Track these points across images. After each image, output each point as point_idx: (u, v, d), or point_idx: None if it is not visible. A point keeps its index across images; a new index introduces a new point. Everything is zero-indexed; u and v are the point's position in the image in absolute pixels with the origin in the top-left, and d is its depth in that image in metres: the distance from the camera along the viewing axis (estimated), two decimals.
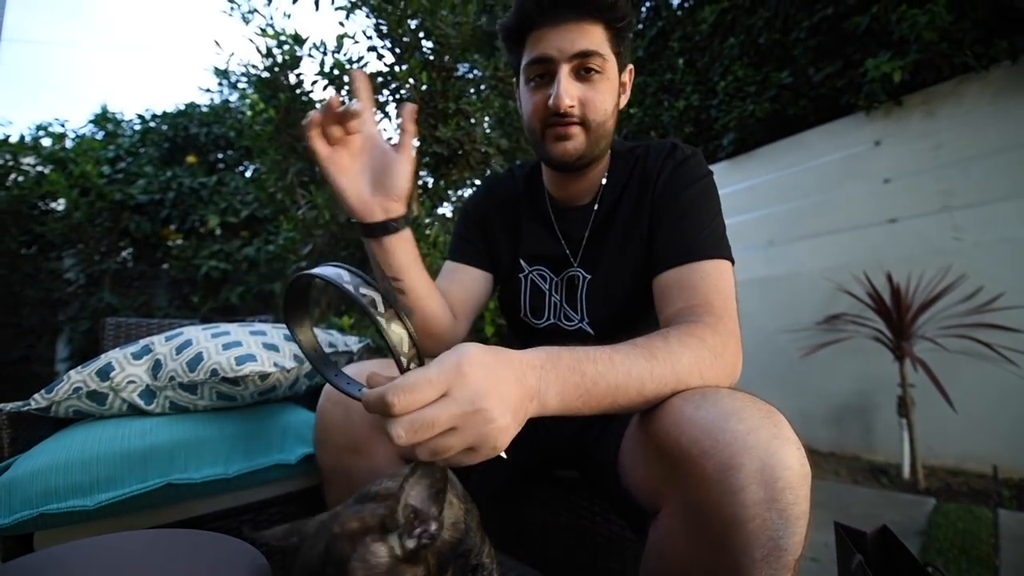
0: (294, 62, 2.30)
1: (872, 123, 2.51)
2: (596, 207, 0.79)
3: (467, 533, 0.52)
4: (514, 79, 0.80)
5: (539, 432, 0.74)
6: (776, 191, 2.92)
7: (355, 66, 2.25)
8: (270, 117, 2.39)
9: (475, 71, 2.46)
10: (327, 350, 0.99)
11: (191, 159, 4.53)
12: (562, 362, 0.46)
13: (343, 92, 2.32)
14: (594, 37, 0.69)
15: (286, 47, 2.28)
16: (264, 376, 0.87)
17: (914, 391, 2.05)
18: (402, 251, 0.68)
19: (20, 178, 3.95)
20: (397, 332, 0.41)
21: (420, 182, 2.54)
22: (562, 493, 0.86)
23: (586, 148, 0.73)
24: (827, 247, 2.65)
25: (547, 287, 0.83)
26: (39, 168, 4.07)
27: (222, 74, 4.03)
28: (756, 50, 3.15)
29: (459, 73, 2.32)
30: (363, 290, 0.40)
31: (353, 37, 2.26)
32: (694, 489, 0.45)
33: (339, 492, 0.70)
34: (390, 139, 0.68)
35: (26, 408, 0.80)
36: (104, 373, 0.82)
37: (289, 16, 2.46)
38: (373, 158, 0.66)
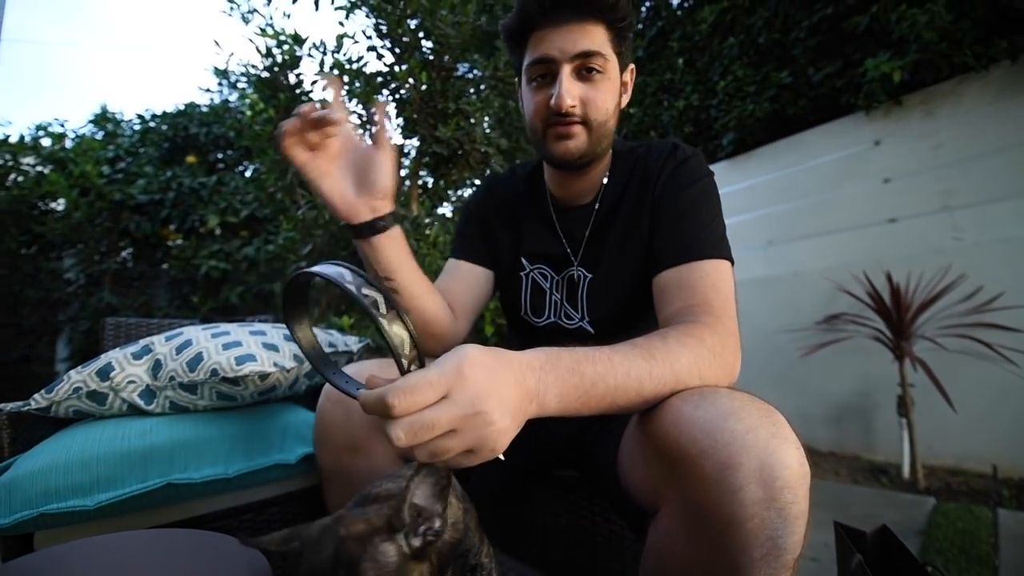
0: (294, 62, 2.31)
1: (872, 123, 2.51)
2: (597, 206, 0.80)
3: (466, 533, 0.52)
4: (516, 79, 0.80)
5: (538, 432, 0.74)
6: (776, 191, 2.92)
7: (355, 66, 2.25)
8: (270, 117, 2.39)
9: (475, 71, 2.46)
10: (327, 350, 0.99)
11: (191, 159, 4.54)
12: (561, 363, 0.46)
13: (343, 93, 2.32)
14: (595, 37, 0.69)
15: (286, 47, 2.28)
16: (264, 376, 0.87)
17: (914, 391, 2.05)
18: (393, 250, 0.68)
19: (20, 178, 3.95)
20: (399, 333, 0.40)
21: (420, 182, 2.54)
22: (562, 493, 0.86)
23: (588, 147, 0.73)
24: (827, 247, 2.65)
25: (548, 286, 0.83)
26: (39, 168, 4.07)
27: (222, 74, 4.03)
28: (756, 50, 3.15)
29: (459, 73, 2.32)
30: (365, 290, 0.40)
31: (353, 37, 2.27)
32: (693, 488, 0.45)
33: (339, 491, 0.70)
34: (369, 131, 0.68)
35: (26, 408, 0.80)
36: (104, 373, 0.82)
37: (289, 16, 2.47)
38: (353, 159, 0.66)
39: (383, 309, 0.40)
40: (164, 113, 4.82)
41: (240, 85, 4.09)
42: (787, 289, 2.79)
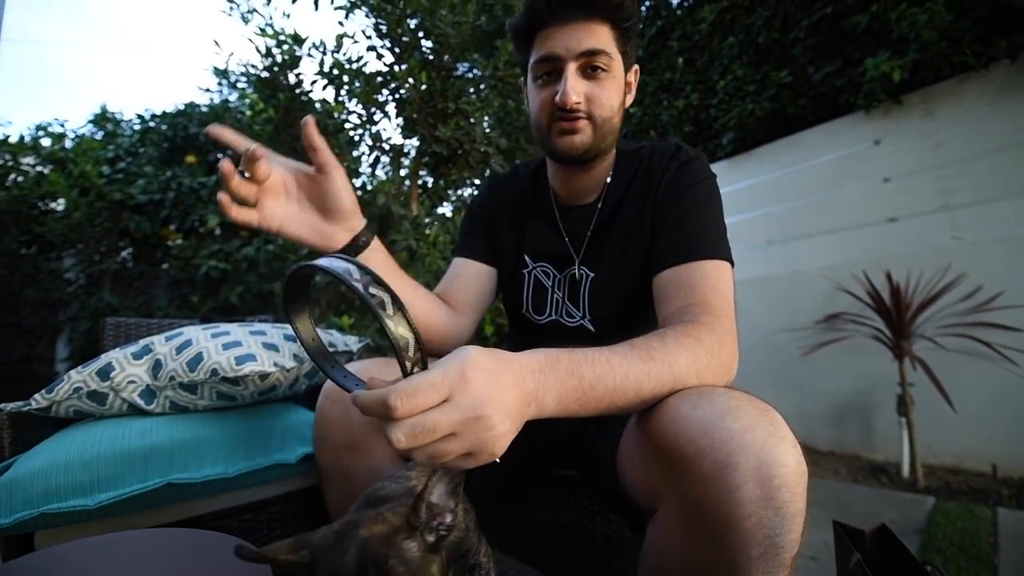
0: (293, 62, 2.31)
1: (871, 122, 2.51)
2: (600, 205, 0.80)
3: (466, 533, 0.53)
4: (520, 78, 0.81)
5: (537, 432, 0.74)
6: (775, 190, 2.92)
7: (354, 66, 2.25)
8: (270, 117, 2.39)
9: (474, 71, 2.46)
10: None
11: (191, 159, 4.53)
12: (560, 365, 0.46)
13: (342, 92, 2.32)
14: (601, 36, 0.70)
15: (285, 47, 2.28)
16: (264, 376, 0.87)
17: (913, 390, 2.05)
18: (378, 262, 0.69)
19: (20, 178, 3.95)
20: (404, 335, 0.40)
21: (420, 182, 2.54)
22: (561, 492, 0.86)
23: (592, 142, 0.73)
24: (826, 246, 2.65)
25: (550, 284, 0.84)
26: (39, 168, 4.07)
27: (222, 74, 4.03)
28: (755, 49, 3.15)
29: (458, 73, 2.33)
30: (373, 289, 0.40)
31: (352, 37, 2.27)
32: (691, 487, 0.45)
33: (338, 490, 0.70)
34: (309, 157, 0.62)
35: (26, 408, 0.80)
36: (104, 373, 0.82)
37: (288, 16, 2.47)
38: (305, 190, 0.65)
39: (390, 310, 0.40)
40: (164, 113, 4.81)
41: (240, 85, 4.09)
42: (787, 288, 2.79)
